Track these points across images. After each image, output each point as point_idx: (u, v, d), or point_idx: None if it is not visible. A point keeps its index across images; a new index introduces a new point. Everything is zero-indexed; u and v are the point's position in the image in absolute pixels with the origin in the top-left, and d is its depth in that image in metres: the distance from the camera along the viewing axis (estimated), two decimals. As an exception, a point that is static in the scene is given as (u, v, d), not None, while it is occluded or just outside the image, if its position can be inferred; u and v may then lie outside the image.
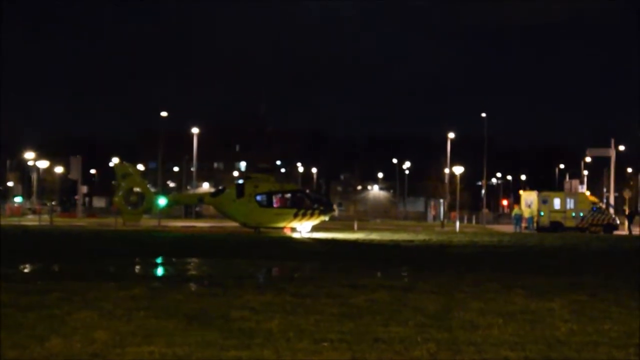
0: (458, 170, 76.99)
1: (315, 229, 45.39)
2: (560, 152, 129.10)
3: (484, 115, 79.92)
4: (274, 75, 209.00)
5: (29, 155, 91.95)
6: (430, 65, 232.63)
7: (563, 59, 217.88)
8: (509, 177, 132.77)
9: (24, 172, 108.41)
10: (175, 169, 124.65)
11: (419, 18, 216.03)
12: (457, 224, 59.47)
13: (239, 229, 45.54)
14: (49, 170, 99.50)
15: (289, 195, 45.68)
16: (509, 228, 58.09)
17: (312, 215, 44.52)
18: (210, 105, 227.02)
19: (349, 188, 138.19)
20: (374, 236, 40.61)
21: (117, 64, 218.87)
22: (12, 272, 18.08)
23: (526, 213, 55.09)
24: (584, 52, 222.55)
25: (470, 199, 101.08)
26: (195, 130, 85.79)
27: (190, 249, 28.19)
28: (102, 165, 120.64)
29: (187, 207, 77.41)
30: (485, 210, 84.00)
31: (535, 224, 54.31)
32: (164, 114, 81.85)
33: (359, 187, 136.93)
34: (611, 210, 59.39)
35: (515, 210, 57.34)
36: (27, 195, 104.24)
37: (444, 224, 65.75)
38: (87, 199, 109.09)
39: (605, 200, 77.87)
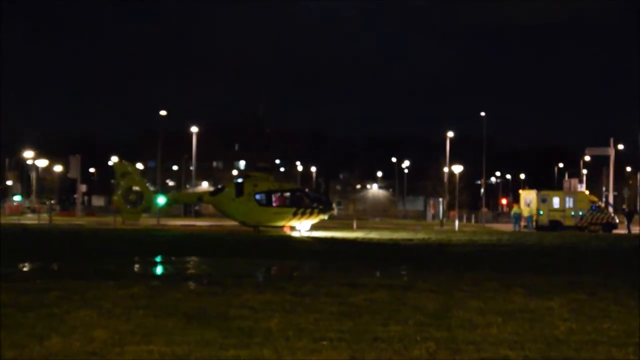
0: (457, 169, 77.03)
1: (314, 227, 45.40)
2: (560, 151, 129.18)
3: (483, 114, 79.94)
4: (274, 75, 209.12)
5: (28, 154, 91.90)
6: (430, 65, 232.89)
7: (563, 59, 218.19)
8: (508, 176, 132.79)
9: (23, 171, 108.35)
10: (175, 167, 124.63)
11: (419, 18, 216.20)
12: (456, 222, 59.45)
13: (238, 228, 45.53)
14: (48, 169, 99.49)
15: (288, 194, 45.70)
16: (508, 227, 58.09)
17: (311, 214, 44.53)
18: (210, 105, 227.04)
19: (348, 187, 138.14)
20: (373, 235, 40.60)
21: (117, 64, 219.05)
22: (11, 271, 18.08)
23: (525, 212, 55.10)
24: (584, 52, 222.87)
25: (469, 198, 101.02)
26: (194, 129, 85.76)
27: (189, 248, 28.19)
28: (101, 164, 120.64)
29: (186, 206, 77.36)
30: (484, 209, 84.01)
31: (534, 223, 54.32)
32: (163, 112, 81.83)
33: (358, 186, 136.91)
34: (610, 209, 59.41)
35: (515, 209, 57.35)
36: (26, 194, 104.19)
37: (443, 223, 65.74)
38: (86, 197, 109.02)
39: (604, 199, 77.89)
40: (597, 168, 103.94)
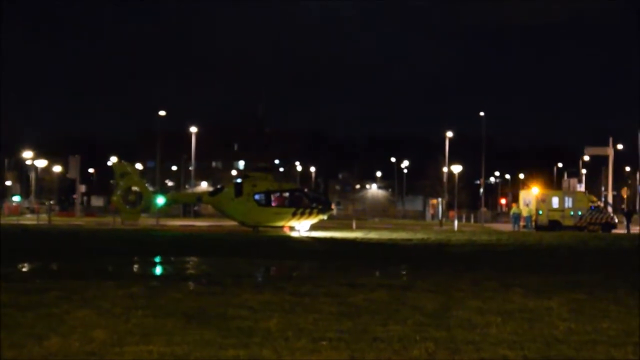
0: (456, 169, 77.05)
1: (313, 227, 45.39)
2: (559, 151, 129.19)
3: (482, 114, 79.97)
4: (274, 75, 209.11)
5: (28, 154, 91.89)
6: (430, 65, 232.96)
7: (563, 59, 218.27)
8: (507, 176, 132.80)
9: (22, 171, 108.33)
10: (174, 168, 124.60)
11: (419, 18, 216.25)
12: (456, 222, 59.48)
13: (237, 228, 45.53)
14: (47, 169, 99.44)
15: (287, 194, 45.69)
16: (507, 227, 58.10)
17: (310, 214, 44.53)
18: (210, 105, 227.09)
19: (347, 187, 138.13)
20: (373, 235, 40.60)
21: (117, 64, 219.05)
22: (10, 271, 18.07)
23: (525, 212, 55.12)
24: (584, 52, 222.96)
25: (468, 198, 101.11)
26: (193, 129, 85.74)
27: (188, 248, 28.19)
28: (101, 164, 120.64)
29: (185, 206, 77.37)
30: (483, 209, 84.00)
31: (533, 223, 54.34)
32: (162, 113, 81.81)
33: (358, 186, 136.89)
34: (609, 209, 59.43)
35: (514, 209, 57.37)
36: (25, 194, 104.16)
37: (443, 223, 65.75)
38: (85, 198, 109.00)
39: (603, 199, 77.91)
40: (596, 168, 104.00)
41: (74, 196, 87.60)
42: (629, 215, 57.41)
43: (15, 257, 21.83)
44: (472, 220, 76.00)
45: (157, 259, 22.74)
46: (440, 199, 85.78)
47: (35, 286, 14.77)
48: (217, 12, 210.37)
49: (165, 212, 62.09)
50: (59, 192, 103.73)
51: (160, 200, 46.71)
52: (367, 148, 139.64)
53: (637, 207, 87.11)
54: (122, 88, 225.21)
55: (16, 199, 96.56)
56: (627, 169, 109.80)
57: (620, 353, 9.44)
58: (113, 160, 64.55)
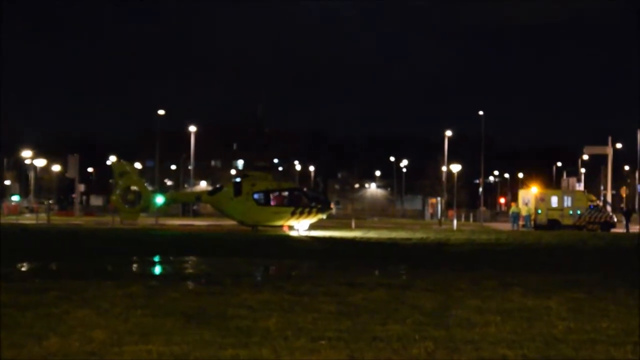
0: (455, 168, 77.03)
1: (312, 227, 45.40)
2: (558, 150, 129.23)
3: (481, 113, 79.98)
4: (274, 75, 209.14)
5: (27, 153, 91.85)
6: (430, 65, 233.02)
7: (563, 59, 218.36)
8: (507, 175, 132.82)
9: (21, 170, 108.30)
10: (173, 167, 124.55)
11: (419, 18, 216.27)
12: (455, 222, 59.52)
13: (236, 228, 45.53)
14: (46, 168, 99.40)
15: (286, 193, 45.71)
16: (506, 226, 58.13)
17: (309, 213, 44.53)
18: (210, 105, 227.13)
19: (346, 186, 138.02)
20: (372, 234, 40.61)
21: (117, 64, 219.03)
22: (10, 271, 18.07)
23: (524, 211, 55.13)
24: (584, 52, 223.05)
25: (467, 197, 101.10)
26: (192, 129, 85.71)
27: (187, 248, 28.18)
28: (100, 163, 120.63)
29: (184, 205, 77.35)
30: (482, 209, 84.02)
31: (532, 222, 54.36)
32: (161, 112, 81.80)
33: (357, 185, 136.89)
34: (608, 208, 59.45)
35: (513, 208, 57.39)
36: (24, 193, 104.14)
37: (442, 222, 65.77)
38: (84, 197, 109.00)
39: (602, 198, 77.93)
40: (595, 167, 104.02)
41: (73, 195, 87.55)
42: (628, 214, 57.43)
43: (15, 256, 21.82)
44: (471, 219, 76.02)
45: (156, 259, 22.74)
46: (439, 198, 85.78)
47: (34, 286, 14.76)
48: (217, 12, 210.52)
49: (164, 211, 62.08)
50: (58, 191, 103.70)
51: (160, 199, 46.71)
52: (367, 148, 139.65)
53: (636, 206, 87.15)
54: (122, 88, 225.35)
55: (15, 198, 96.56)
56: (626, 168, 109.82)
57: (619, 352, 9.44)
58: (112, 159, 64.52)
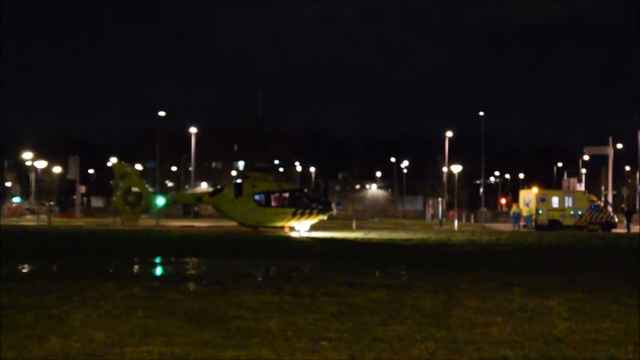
0: (456, 169, 77.01)
1: (313, 228, 45.39)
2: (559, 150, 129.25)
3: (481, 113, 79.99)
4: (274, 75, 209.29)
5: (27, 155, 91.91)
6: (430, 65, 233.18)
7: (563, 59, 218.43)
8: (507, 176, 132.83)
9: (22, 172, 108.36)
10: (174, 168, 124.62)
11: (419, 18, 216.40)
12: (456, 222, 59.51)
13: (237, 229, 45.52)
14: (47, 170, 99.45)
15: (287, 194, 45.69)
16: (507, 226, 58.10)
17: (310, 214, 44.53)
18: (210, 105, 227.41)
19: (347, 187, 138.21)
20: (373, 235, 40.60)
21: (117, 64, 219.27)
22: (10, 272, 18.07)
23: (524, 211, 55.12)
24: (584, 52, 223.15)
25: (468, 198, 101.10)
26: (193, 130, 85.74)
27: (188, 249, 28.17)
28: (100, 165, 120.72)
29: (185, 206, 77.38)
30: (483, 209, 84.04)
31: (533, 223, 54.35)
32: (162, 113, 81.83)
33: (357, 186, 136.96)
34: (609, 208, 59.43)
35: (514, 208, 57.39)
36: (25, 195, 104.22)
37: (442, 223, 65.76)
38: (85, 199, 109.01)
39: (603, 198, 77.93)
40: (596, 167, 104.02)
41: (74, 197, 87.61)
42: (629, 214, 57.41)
43: (15, 258, 21.82)
44: (472, 220, 76.00)
45: (157, 260, 22.74)
46: (440, 199, 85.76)
47: (35, 287, 14.77)
48: (217, 12, 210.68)
49: (165, 212, 62.09)
50: (58, 193, 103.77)
51: (160, 200, 46.71)
52: (367, 148, 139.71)
53: (637, 207, 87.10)
54: (122, 88, 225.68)
55: (16, 200, 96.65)
56: (627, 168, 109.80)
57: (620, 352, 9.43)
58: (113, 160, 64.53)
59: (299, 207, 44.48)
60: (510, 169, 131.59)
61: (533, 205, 54.78)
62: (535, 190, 57.11)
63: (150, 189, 55.83)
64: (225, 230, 44.82)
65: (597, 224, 53.85)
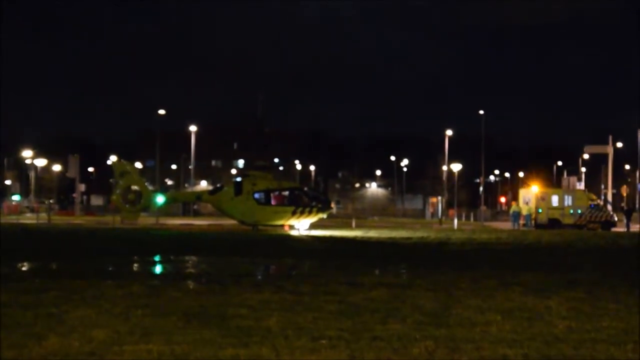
0: (456, 167, 77.04)
1: (313, 226, 45.39)
2: (559, 149, 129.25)
3: (481, 112, 80.00)
4: (274, 75, 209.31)
5: (27, 153, 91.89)
6: (430, 65, 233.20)
7: (563, 59, 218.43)
8: (507, 175, 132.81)
9: (22, 170, 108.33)
10: (173, 167, 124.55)
11: (419, 18, 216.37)
12: (455, 221, 59.55)
13: (237, 227, 45.53)
14: (46, 168, 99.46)
15: (287, 192, 45.69)
16: (507, 225, 58.11)
17: (310, 212, 44.52)
18: (210, 105, 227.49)
19: (347, 186, 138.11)
20: (372, 234, 40.60)
21: (117, 64, 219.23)
22: (10, 270, 18.07)
23: (524, 210, 55.12)
24: (584, 52, 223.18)
25: (468, 197, 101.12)
26: (193, 128, 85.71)
27: (188, 247, 28.17)
28: (100, 163, 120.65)
29: (185, 205, 77.37)
30: (483, 208, 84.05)
31: (533, 221, 54.35)
32: (161, 111, 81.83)
33: (357, 185, 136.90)
34: (609, 207, 59.44)
35: (514, 207, 57.37)
36: (25, 193, 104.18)
37: (442, 221, 65.78)
38: (84, 197, 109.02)
39: (603, 197, 77.91)
40: (596, 166, 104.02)
41: (74, 195, 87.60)
42: (628, 213, 57.42)
43: (15, 256, 21.81)
44: (471, 218, 76.02)
45: (157, 258, 22.74)
46: (440, 198, 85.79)
47: (34, 286, 14.76)
48: (217, 12, 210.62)
49: (164, 211, 62.09)
50: (58, 191, 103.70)
51: (160, 199, 46.72)
52: (367, 148, 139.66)
53: (637, 206, 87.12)
54: (122, 88, 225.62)
55: (16, 198, 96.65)
56: (627, 167, 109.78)
57: (620, 352, 9.43)
58: (113, 159, 64.52)
59: (299, 205, 44.47)
60: (509, 168, 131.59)
61: (533, 204, 54.78)
62: (535, 189, 57.11)
63: (150, 187, 55.80)
64: (225, 229, 44.82)
65: (597, 223, 53.86)
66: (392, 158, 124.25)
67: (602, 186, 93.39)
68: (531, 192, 56.38)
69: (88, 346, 9.29)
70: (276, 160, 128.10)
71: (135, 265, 20.84)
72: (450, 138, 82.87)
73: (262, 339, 9.77)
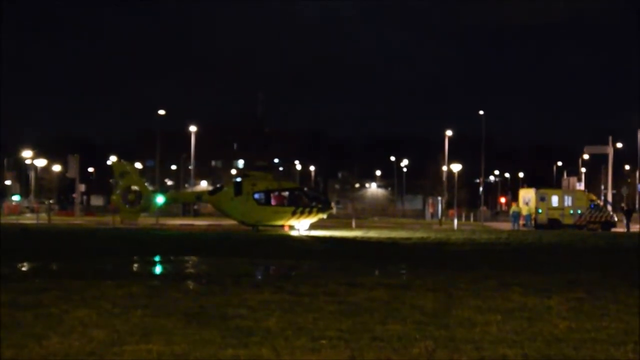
0: (456, 168, 77.00)
1: (313, 227, 45.38)
2: (559, 150, 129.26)
3: (481, 113, 79.99)
4: (274, 75, 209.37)
5: (27, 153, 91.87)
6: (430, 65, 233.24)
7: (563, 59, 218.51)
8: (507, 175, 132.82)
9: (21, 170, 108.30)
10: (173, 167, 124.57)
11: (419, 18, 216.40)
12: (455, 221, 59.50)
13: (237, 227, 45.52)
14: (46, 168, 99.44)
15: (287, 193, 45.68)
16: (506, 225, 58.10)
17: (310, 213, 44.51)
18: (210, 105, 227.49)
19: (346, 186, 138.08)
20: (372, 234, 40.60)
21: (117, 64, 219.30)
22: (10, 270, 18.06)
23: (524, 210, 55.10)
24: (584, 52, 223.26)
25: (468, 197, 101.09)
26: (193, 129, 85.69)
27: (188, 247, 28.16)
28: (100, 163, 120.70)
29: (185, 205, 77.32)
30: (483, 208, 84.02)
31: (533, 222, 54.34)
32: (161, 112, 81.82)
33: (357, 185, 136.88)
34: (609, 208, 59.43)
35: (513, 207, 57.35)
36: (25, 193, 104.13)
37: (442, 222, 65.75)
38: (84, 197, 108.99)
39: (603, 198, 77.90)
40: (596, 166, 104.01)
41: (74, 195, 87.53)
42: (628, 213, 57.41)
43: (15, 256, 21.81)
44: (471, 219, 75.99)
45: (157, 259, 22.73)
46: (439, 198, 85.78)
47: (34, 286, 14.76)
48: (217, 12, 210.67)
49: (164, 211, 62.07)
50: (58, 191, 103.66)
51: (160, 199, 46.70)
52: (367, 148, 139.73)
53: (637, 206, 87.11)
54: (122, 88, 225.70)
55: (16, 198, 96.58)
56: (627, 167, 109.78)
57: (619, 352, 9.43)
58: (112, 159, 64.50)
59: (299, 205, 44.46)
60: (509, 168, 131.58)
61: (533, 204, 54.76)
62: (535, 189, 57.10)
63: (150, 188, 55.79)
64: (225, 229, 44.82)
65: (597, 223, 53.85)
66: (392, 158, 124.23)
67: (602, 186, 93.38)
68: (531, 192, 56.37)
69: (88, 346, 9.29)
70: (276, 160, 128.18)
71: (135, 265, 20.83)
72: (450, 138, 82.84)
73: (262, 339, 9.77)
